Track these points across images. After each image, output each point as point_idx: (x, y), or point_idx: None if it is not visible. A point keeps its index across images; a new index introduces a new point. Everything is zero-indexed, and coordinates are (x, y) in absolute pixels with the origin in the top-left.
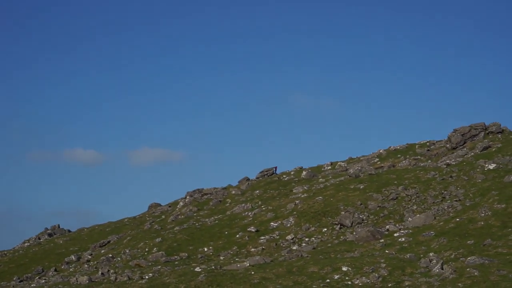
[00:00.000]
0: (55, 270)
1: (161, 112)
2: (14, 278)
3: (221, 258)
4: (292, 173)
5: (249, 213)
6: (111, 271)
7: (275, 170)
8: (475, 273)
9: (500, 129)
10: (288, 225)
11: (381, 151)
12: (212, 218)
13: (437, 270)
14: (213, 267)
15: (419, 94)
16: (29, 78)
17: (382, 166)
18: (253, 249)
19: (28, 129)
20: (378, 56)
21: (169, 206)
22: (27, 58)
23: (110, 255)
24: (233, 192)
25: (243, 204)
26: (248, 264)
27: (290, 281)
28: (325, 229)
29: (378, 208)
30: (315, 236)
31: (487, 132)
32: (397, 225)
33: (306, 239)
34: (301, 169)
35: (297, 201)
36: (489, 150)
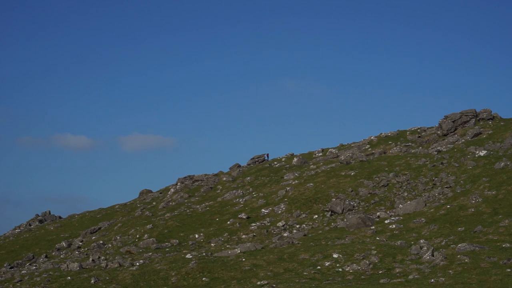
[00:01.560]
0: (46, 256)
1: (152, 98)
2: (5, 265)
3: (212, 245)
4: (283, 159)
5: (240, 200)
6: (102, 257)
7: (267, 157)
8: (466, 260)
9: (491, 116)
10: (279, 212)
11: (372, 137)
12: (203, 204)
13: (428, 257)
14: (204, 254)
15: (410, 81)
16: (18, 65)
17: (373, 152)
18: (244, 236)
19: (17, 115)
20: (369, 42)
21: (160, 193)
22: (16, 45)
23: (101, 242)
24: (224, 178)
25: (234, 191)
26: (239, 251)
27: (281, 268)
28: (316, 216)
29: (369, 195)
30: (306, 223)
31: (478, 118)
32: (388, 212)
33: (297, 226)
34: (292, 155)
35: (288, 188)
36: (480, 137)
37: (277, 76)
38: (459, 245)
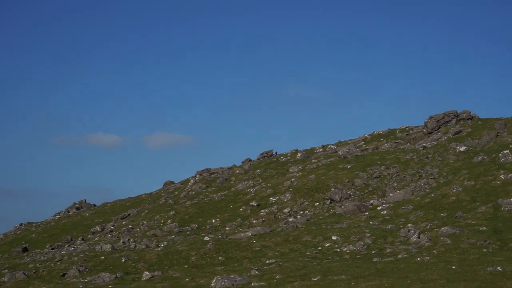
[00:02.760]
0: (82, 239)
1: (174, 101)
2: (47, 246)
3: (227, 228)
4: (288, 154)
5: (251, 190)
6: (131, 240)
7: (276, 153)
8: (448, 242)
9: (470, 116)
10: (285, 200)
11: (366, 135)
12: (219, 194)
13: (415, 239)
14: (219, 236)
15: (399, 85)
16: (54, 69)
17: (367, 148)
18: (254, 221)
19: (53, 116)
20: (361, 49)
21: (181, 184)
22: (52, 51)
23: (130, 226)
24: (237, 171)
25: (245, 182)
26: (250, 234)
27: (286, 249)
28: (317, 204)
29: (363, 185)
30: (308, 210)
31: (458, 118)
32: (380, 200)
33: (301, 212)
34: (297, 151)
35: (293, 179)
36: (460, 135)
37: (282, 82)
38: (442, 228)
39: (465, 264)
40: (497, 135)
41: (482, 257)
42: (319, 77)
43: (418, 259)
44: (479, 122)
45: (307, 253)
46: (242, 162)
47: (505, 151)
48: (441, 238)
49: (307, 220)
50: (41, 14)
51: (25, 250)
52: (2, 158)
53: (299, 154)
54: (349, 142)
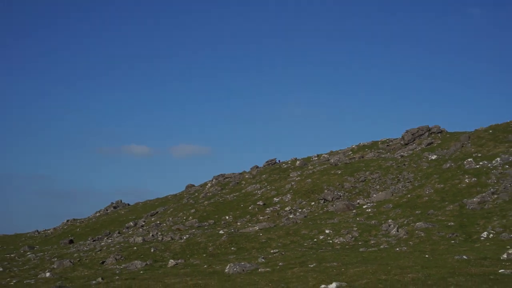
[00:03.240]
0: (118, 232)
1: (195, 118)
2: (89, 238)
3: (238, 224)
4: (289, 162)
5: (258, 191)
6: (159, 233)
7: (279, 161)
8: (422, 234)
9: (440, 130)
10: (286, 200)
11: (353, 146)
12: (232, 195)
13: (394, 232)
14: (232, 230)
15: (381, 105)
16: (94, 88)
17: (354, 157)
18: (261, 217)
19: (97, 130)
20: (342, 69)
21: (200, 186)
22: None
23: (158, 222)
24: (247, 176)
25: (254, 185)
26: (257, 228)
27: (288, 240)
28: (313, 203)
29: (351, 187)
30: (305, 208)
31: (430, 132)
32: (365, 199)
33: (299, 210)
34: (296, 159)
35: (292, 183)
36: (432, 145)
37: (284, 101)
38: (417, 223)
39: (436, 253)
40: (462, 146)
41: (450, 248)
42: (315, 97)
43: (397, 249)
44: (447, 135)
45: (305, 244)
46: (251, 169)
47: (469, 159)
48: (416, 232)
49: (305, 216)
50: (83, 35)
51: (71, 242)
52: (55, 165)
53: (298, 162)
54: (339, 152)
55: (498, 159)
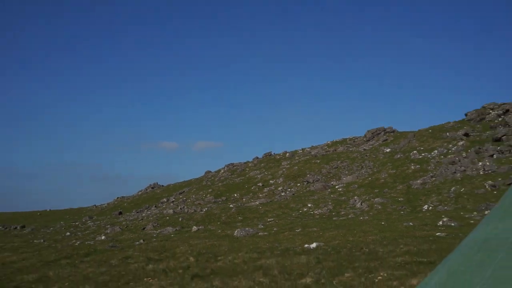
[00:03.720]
0: (155, 206)
1: (210, 121)
2: (133, 211)
3: (244, 199)
4: (281, 154)
5: (258, 176)
6: (185, 207)
7: (273, 153)
8: (379, 207)
9: (393, 130)
10: (279, 182)
11: (328, 142)
12: (239, 178)
13: (359, 205)
14: (239, 204)
15: (348, 108)
16: (129, 91)
17: (329, 150)
18: (260, 195)
19: (143, 130)
20: (314, 70)
21: (216, 172)
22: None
23: (184, 198)
24: (250, 164)
25: (255, 171)
26: (258, 203)
27: (280, 212)
28: (299, 184)
29: (327, 173)
30: (293, 188)
31: (385, 131)
32: (337, 181)
33: (289, 190)
34: (286, 152)
35: (284, 169)
36: (386, 142)
37: (280, 109)
38: (375, 199)
39: (389, 221)
40: (409, 142)
41: (400, 217)
42: (300, 106)
43: (361, 218)
44: (398, 134)
45: (293, 214)
46: (253, 159)
47: (414, 151)
48: (375, 205)
49: (293, 194)
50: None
51: (120, 213)
52: (111, 156)
53: (287, 154)
54: (318, 146)
55: (436, 151)
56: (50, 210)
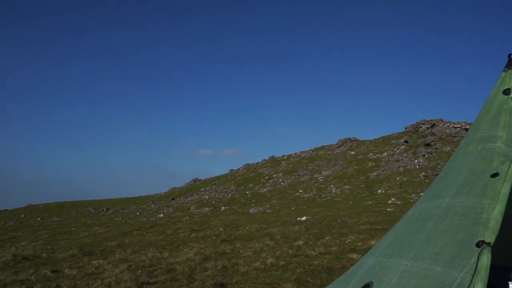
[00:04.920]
0: (196, 194)
1: (232, 133)
2: (181, 197)
3: (256, 188)
4: (280, 157)
5: (266, 172)
6: (216, 194)
7: (274, 156)
8: (348, 192)
9: (356, 139)
10: (280, 175)
11: (313, 148)
12: (252, 174)
13: (334, 191)
14: (253, 191)
15: (324, 121)
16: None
17: (313, 153)
18: (267, 185)
19: (187, 140)
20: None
21: (236, 170)
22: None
23: (216, 188)
24: (260, 164)
25: (263, 169)
26: (265, 190)
27: (280, 196)
28: (293, 177)
29: (312, 169)
30: (289, 180)
31: (351, 140)
32: (319, 175)
33: (286, 181)
34: (284, 155)
35: (283, 167)
36: (352, 147)
37: (283, 119)
38: (345, 186)
39: (355, 201)
40: (367, 147)
41: (362, 198)
42: (295, 116)
43: (336, 199)
44: (360, 142)
45: (289, 198)
46: (262, 160)
47: (371, 153)
48: (345, 191)
49: (289, 184)
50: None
51: (173, 199)
52: (168, 159)
53: (285, 157)
54: (305, 151)
55: (385, 153)
56: (125, 197)
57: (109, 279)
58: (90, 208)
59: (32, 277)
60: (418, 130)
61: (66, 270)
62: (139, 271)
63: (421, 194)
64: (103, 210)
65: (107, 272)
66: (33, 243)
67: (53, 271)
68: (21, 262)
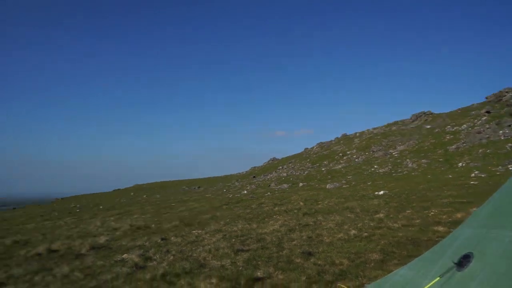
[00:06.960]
0: (275, 172)
1: (307, 116)
2: (262, 175)
3: (331, 165)
4: (353, 134)
5: (339, 149)
6: (293, 171)
7: (348, 134)
8: (425, 166)
9: (431, 113)
10: (353, 152)
11: (385, 124)
12: (326, 151)
13: (410, 165)
14: (328, 168)
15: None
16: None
17: (386, 129)
18: (341, 161)
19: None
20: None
21: (311, 148)
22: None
23: (292, 166)
24: (333, 142)
25: (337, 146)
26: (340, 167)
27: (355, 172)
28: (367, 153)
29: (386, 144)
30: (363, 156)
31: (425, 114)
32: (395, 149)
33: (360, 157)
34: (356, 132)
35: (356, 144)
36: (427, 121)
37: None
38: (422, 160)
39: (434, 175)
40: (443, 120)
41: (441, 172)
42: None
43: (413, 173)
44: (435, 115)
45: (364, 173)
46: (335, 138)
47: (448, 126)
48: (422, 164)
49: (363, 160)
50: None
51: (254, 177)
52: (249, 143)
53: (357, 134)
54: (378, 127)
55: (464, 125)
56: (214, 176)
57: (209, 246)
58: (184, 187)
59: (147, 243)
60: (501, 99)
61: (172, 238)
62: (233, 240)
63: (509, 166)
64: (194, 188)
65: (205, 240)
66: (143, 216)
67: (162, 239)
68: (136, 231)
